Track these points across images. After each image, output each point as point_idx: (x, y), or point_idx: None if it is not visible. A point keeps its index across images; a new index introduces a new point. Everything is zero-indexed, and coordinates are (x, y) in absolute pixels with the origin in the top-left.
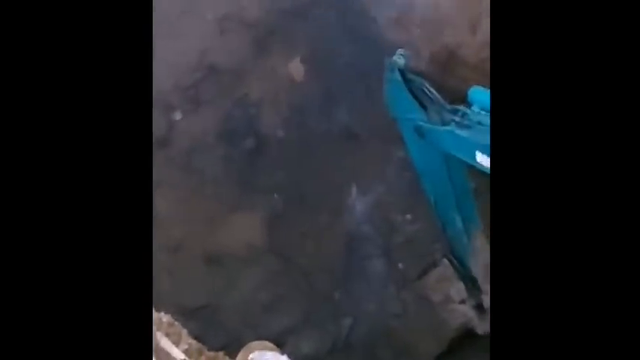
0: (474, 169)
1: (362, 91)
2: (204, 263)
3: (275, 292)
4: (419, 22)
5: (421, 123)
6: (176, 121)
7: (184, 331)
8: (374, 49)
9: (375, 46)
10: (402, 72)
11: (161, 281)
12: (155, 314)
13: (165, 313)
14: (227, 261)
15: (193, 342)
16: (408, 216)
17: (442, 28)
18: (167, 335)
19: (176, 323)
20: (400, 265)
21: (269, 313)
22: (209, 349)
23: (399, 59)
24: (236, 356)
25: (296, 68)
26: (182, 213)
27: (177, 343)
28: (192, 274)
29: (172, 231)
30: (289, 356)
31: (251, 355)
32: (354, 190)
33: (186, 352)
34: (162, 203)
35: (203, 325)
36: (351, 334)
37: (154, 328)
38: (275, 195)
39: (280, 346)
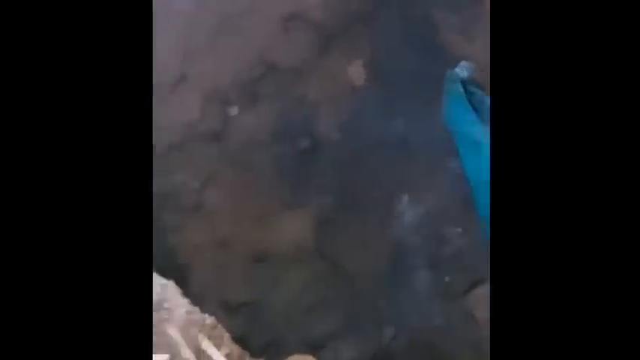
0: None
1: (420, 101)
2: (250, 260)
3: (319, 295)
4: (484, 33)
5: (479, 138)
6: (232, 116)
7: (227, 335)
8: (436, 59)
9: (437, 55)
10: (463, 84)
11: (206, 276)
12: (199, 315)
13: (210, 315)
14: (273, 260)
15: (235, 347)
16: (458, 229)
17: None
18: (209, 338)
19: (219, 326)
20: (446, 279)
21: (311, 315)
22: (251, 356)
23: (461, 71)
24: None
25: (356, 72)
26: (232, 209)
27: (218, 347)
28: (238, 271)
29: (220, 226)
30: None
31: None
32: (405, 198)
33: (228, 356)
34: (212, 198)
35: (245, 322)
36: (392, 344)
37: (197, 329)
38: (326, 197)
39: (320, 349)
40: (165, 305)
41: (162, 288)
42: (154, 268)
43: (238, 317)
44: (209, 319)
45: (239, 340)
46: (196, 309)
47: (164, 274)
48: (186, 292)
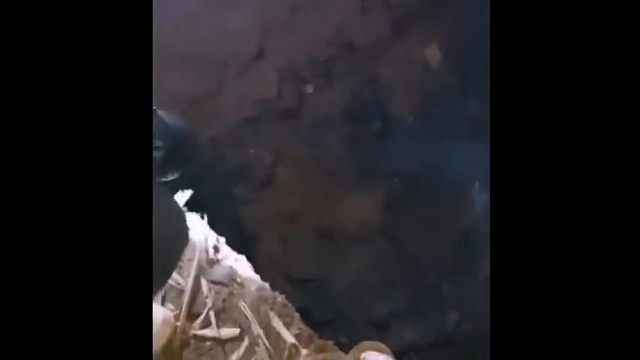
0: None
1: None
2: (317, 236)
3: (383, 276)
4: None
5: None
6: (307, 94)
7: (297, 315)
8: None
9: None
10: None
11: (273, 249)
12: (269, 293)
13: (280, 293)
14: (340, 238)
15: (304, 327)
16: None
17: None
18: (279, 316)
19: (290, 305)
20: None
21: (375, 295)
22: (320, 337)
23: None
24: (343, 348)
25: (432, 54)
26: (301, 185)
27: (288, 326)
28: (305, 246)
29: (290, 201)
30: (392, 342)
31: (363, 355)
32: (476, 185)
33: (297, 336)
34: (283, 173)
35: (310, 297)
36: (455, 329)
37: (267, 307)
38: (395, 179)
39: (383, 329)
40: (238, 280)
41: (235, 262)
42: (225, 240)
43: (304, 291)
44: (280, 297)
45: (304, 313)
46: (267, 285)
47: (233, 245)
48: (255, 265)
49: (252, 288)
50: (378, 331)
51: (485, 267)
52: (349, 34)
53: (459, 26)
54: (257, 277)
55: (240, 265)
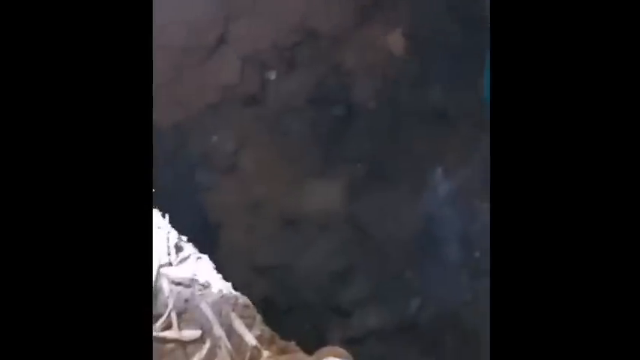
0: None
1: (459, 73)
2: (280, 224)
3: (347, 262)
4: None
5: None
6: (269, 80)
7: (258, 317)
8: (477, 32)
9: (478, 28)
10: None
11: (236, 237)
12: (232, 294)
13: (242, 291)
14: (303, 225)
15: (266, 329)
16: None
17: None
18: (241, 317)
19: (251, 306)
20: (477, 254)
21: (338, 281)
22: (281, 338)
23: None
24: (306, 347)
25: (395, 41)
26: (265, 172)
27: (250, 327)
28: (268, 234)
29: (253, 189)
30: (354, 328)
31: None
32: (438, 170)
33: (258, 338)
34: (246, 160)
35: (273, 284)
36: (418, 315)
37: (229, 308)
38: (358, 165)
39: (347, 316)
40: (200, 280)
41: (197, 262)
42: (184, 230)
43: (267, 279)
44: (242, 298)
45: (265, 301)
46: (229, 285)
47: (196, 234)
48: (218, 255)
49: (214, 289)
50: (342, 318)
51: (447, 252)
52: (313, 21)
53: (422, 13)
54: (219, 276)
55: (202, 264)
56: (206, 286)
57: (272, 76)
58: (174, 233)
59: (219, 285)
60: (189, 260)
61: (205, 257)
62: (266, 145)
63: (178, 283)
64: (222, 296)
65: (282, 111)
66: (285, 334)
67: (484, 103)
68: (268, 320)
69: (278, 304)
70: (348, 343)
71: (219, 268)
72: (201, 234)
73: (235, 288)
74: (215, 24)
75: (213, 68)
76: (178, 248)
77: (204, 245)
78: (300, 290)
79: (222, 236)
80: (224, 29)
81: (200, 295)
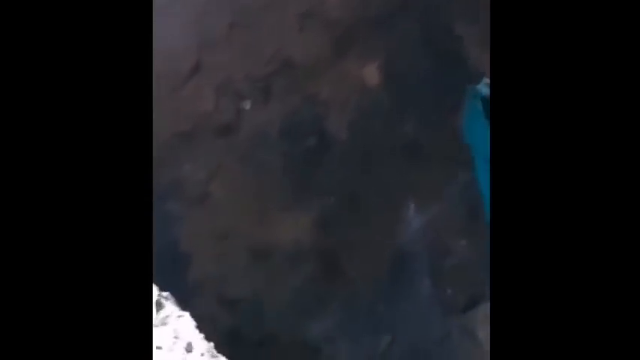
0: None
1: (434, 108)
2: (250, 255)
3: (316, 296)
4: None
5: None
6: (244, 110)
7: None
8: (452, 68)
9: (453, 64)
10: (484, 102)
11: (205, 268)
12: (218, 358)
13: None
14: (273, 257)
15: None
16: (464, 242)
17: None
18: None
19: None
20: (449, 291)
21: (308, 316)
22: None
23: (483, 88)
24: None
25: (370, 74)
26: (236, 202)
27: None
28: (237, 265)
29: (223, 219)
30: None
31: None
32: (411, 205)
33: None
34: (218, 189)
35: (241, 317)
36: (388, 352)
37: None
38: (330, 198)
39: (315, 353)
40: (182, 343)
41: (178, 320)
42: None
43: (236, 311)
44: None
45: (234, 334)
46: (211, 346)
47: (164, 262)
48: (185, 285)
49: (196, 352)
50: (310, 353)
51: (419, 288)
52: (288, 52)
53: (397, 47)
54: (201, 336)
55: (183, 323)
56: (189, 350)
57: (247, 105)
58: (154, 289)
59: (202, 347)
60: (170, 319)
61: (187, 315)
62: (238, 176)
63: (159, 347)
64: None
65: (255, 141)
66: None
67: (462, 143)
68: (235, 354)
69: (246, 337)
70: None
71: (187, 302)
72: (171, 265)
73: (217, 349)
74: (189, 52)
75: (186, 97)
76: (159, 305)
77: (172, 278)
78: (268, 324)
79: (190, 266)
80: (198, 58)
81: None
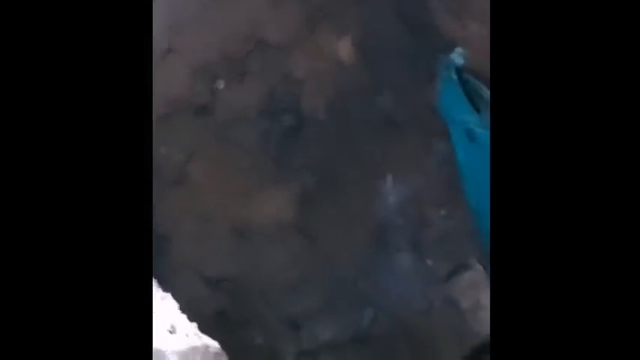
0: None
1: (409, 81)
2: (231, 235)
3: (298, 273)
4: (478, 17)
5: (472, 126)
6: (218, 90)
7: None
8: (427, 40)
9: (429, 37)
10: (458, 72)
11: (187, 249)
12: (202, 344)
13: (214, 339)
14: (254, 236)
15: None
16: (443, 212)
17: None
18: None
19: (223, 353)
20: (429, 262)
21: (290, 293)
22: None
23: (457, 58)
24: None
25: (345, 50)
26: (215, 183)
27: None
28: (219, 245)
29: (203, 200)
30: (307, 341)
31: None
32: (389, 179)
33: None
34: (196, 171)
35: (226, 297)
36: (371, 325)
37: (199, 357)
38: (309, 175)
39: (298, 328)
40: (166, 325)
41: (162, 302)
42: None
43: (219, 291)
44: (212, 347)
45: (218, 314)
46: (194, 326)
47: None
48: (166, 266)
49: (180, 333)
50: (293, 330)
51: (400, 261)
52: (261, 30)
53: (371, 21)
54: (184, 316)
55: (166, 304)
56: (172, 331)
57: (220, 85)
58: None
59: (186, 328)
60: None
61: (168, 296)
62: (215, 156)
63: None
64: (192, 347)
65: (232, 121)
66: (238, 348)
67: (438, 115)
68: (220, 334)
69: (229, 317)
70: (301, 357)
71: (169, 281)
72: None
73: (201, 329)
74: (162, 34)
75: (161, 79)
76: None
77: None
78: (251, 303)
79: (170, 249)
80: (171, 39)
81: (166, 345)
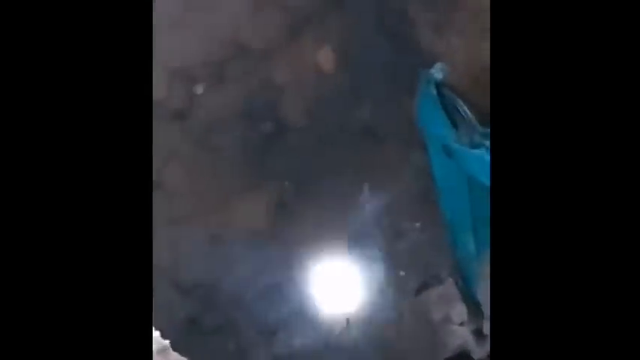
0: None
1: (388, 92)
2: (206, 241)
3: (272, 281)
4: (459, 31)
5: (449, 142)
6: (197, 95)
7: None
8: (408, 52)
9: (409, 49)
10: (437, 86)
11: (161, 254)
12: (173, 356)
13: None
14: (229, 242)
15: None
16: (417, 224)
17: (481, 41)
18: None
19: None
20: (402, 273)
21: (264, 300)
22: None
23: (437, 73)
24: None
25: (325, 58)
26: (191, 188)
27: None
28: (193, 251)
29: (178, 204)
30: (280, 348)
31: None
32: (365, 189)
33: None
34: (172, 175)
35: (199, 303)
36: (343, 334)
37: None
38: (286, 182)
39: (271, 336)
40: None
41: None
42: None
43: (193, 298)
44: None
45: (190, 322)
46: (157, 335)
47: None
48: None
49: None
50: (267, 337)
51: (373, 270)
52: (242, 36)
53: (351, 30)
54: (157, 333)
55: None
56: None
57: (199, 90)
58: None
59: (158, 344)
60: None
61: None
62: (192, 161)
63: None
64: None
65: (210, 126)
66: (210, 354)
67: (416, 127)
68: (192, 339)
69: (202, 323)
70: None
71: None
72: None
73: (163, 337)
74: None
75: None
76: None
77: None
78: (225, 309)
79: None
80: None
81: None
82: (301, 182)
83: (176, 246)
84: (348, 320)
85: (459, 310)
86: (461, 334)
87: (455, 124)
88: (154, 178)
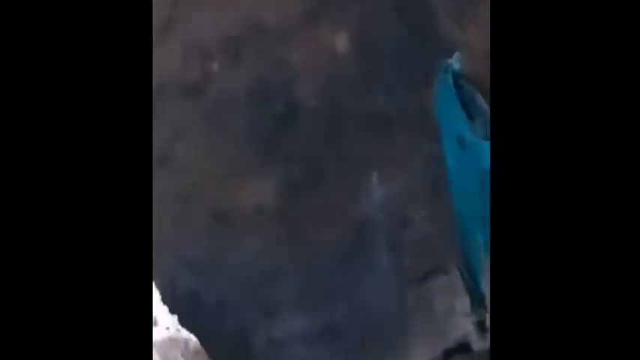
0: None
1: (403, 79)
2: (211, 218)
3: (275, 262)
4: (479, 23)
5: (464, 133)
6: (212, 72)
7: None
8: (426, 41)
9: (427, 37)
10: (455, 77)
11: (164, 228)
12: (182, 337)
13: (195, 335)
14: (234, 220)
15: None
16: (425, 212)
17: None
18: None
19: (202, 351)
20: (407, 262)
21: (265, 281)
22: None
23: (455, 63)
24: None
25: (342, 41)
26: (199, 164)
27: None
28: (197, 227)
29: (185, 180)
30: (280, 331)
31: None
32: (375, 176)
33: None
34: (181, 151)
35: (200, 279)
36: (344, 320)
37: (178, 352)
38: (295, 165)
39: (271, 316)
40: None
41: None
42: None
43: (194, 273)
44: (192, 342)
45: (192, 295)
46: (175, 320)
47: None
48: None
49: (161, 325)
50: (266, 318)
51: (378, 259)
52: (260, 15)
53: (370, 17)
54: (166, 308)
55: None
56: (154, 324)
57: (214, 67)
58: None
59: (166, 320)
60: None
61: (156, 295)
62: (202, 138)
63: None
64: (171, 338)
65: (222, 104)
66: (210, 333)
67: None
68: (193, 317)
69: (203, 299)
70: (271, 345)
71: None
72: None
73: (181, 323)
74: (158, 10)
75: (156, 54)
76: None
77: None
78: (226, 287)
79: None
80: (168, 16)
81: None
82: (311, 165)
83: (180, 221)
84: (349, 306)
85: (463, 302)
86: (463, 326)
87: (471, 116)
88: (163, 153)
